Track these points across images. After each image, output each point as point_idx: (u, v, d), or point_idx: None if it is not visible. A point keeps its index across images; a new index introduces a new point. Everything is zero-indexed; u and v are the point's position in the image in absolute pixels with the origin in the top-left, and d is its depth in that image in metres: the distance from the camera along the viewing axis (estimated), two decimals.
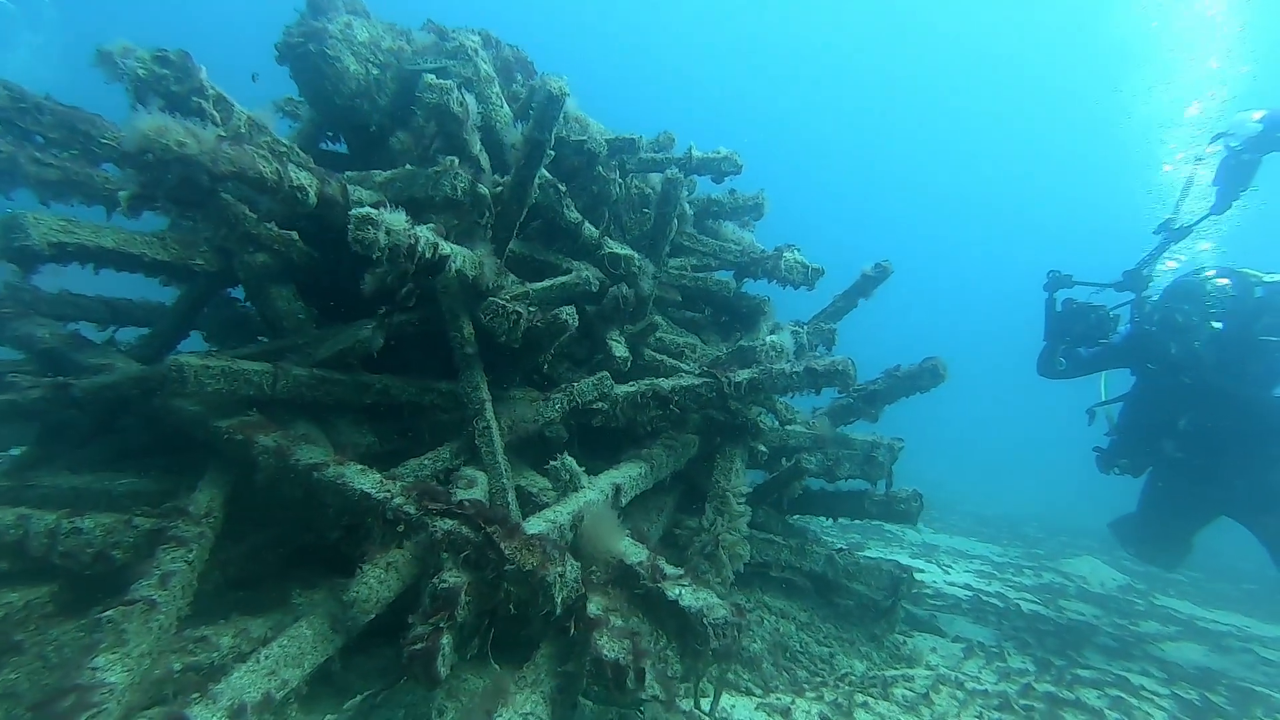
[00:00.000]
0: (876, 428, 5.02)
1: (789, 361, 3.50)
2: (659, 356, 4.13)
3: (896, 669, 4.17)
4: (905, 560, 7.90)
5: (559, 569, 1.94)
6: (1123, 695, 4.16)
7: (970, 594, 6.83)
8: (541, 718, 2.06)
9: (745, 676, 3.46)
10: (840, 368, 3.40)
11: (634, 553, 2.69)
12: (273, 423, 2.71)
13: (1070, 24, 42.68)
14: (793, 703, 3.29)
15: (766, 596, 4.40)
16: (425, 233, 2.40)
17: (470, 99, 3.04)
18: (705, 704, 3.07)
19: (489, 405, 3.04)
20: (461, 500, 2.19)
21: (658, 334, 4.31)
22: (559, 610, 1.96)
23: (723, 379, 3.45)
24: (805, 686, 3.56)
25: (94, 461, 3.04)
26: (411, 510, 2.12)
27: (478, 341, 3.24)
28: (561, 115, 4.15)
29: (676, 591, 2.43)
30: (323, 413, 3.06)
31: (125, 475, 2.81)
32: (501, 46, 3.97)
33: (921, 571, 7.46)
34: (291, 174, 2.42)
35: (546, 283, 3.41)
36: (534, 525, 2.41)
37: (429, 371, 3.42)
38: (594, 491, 2.87)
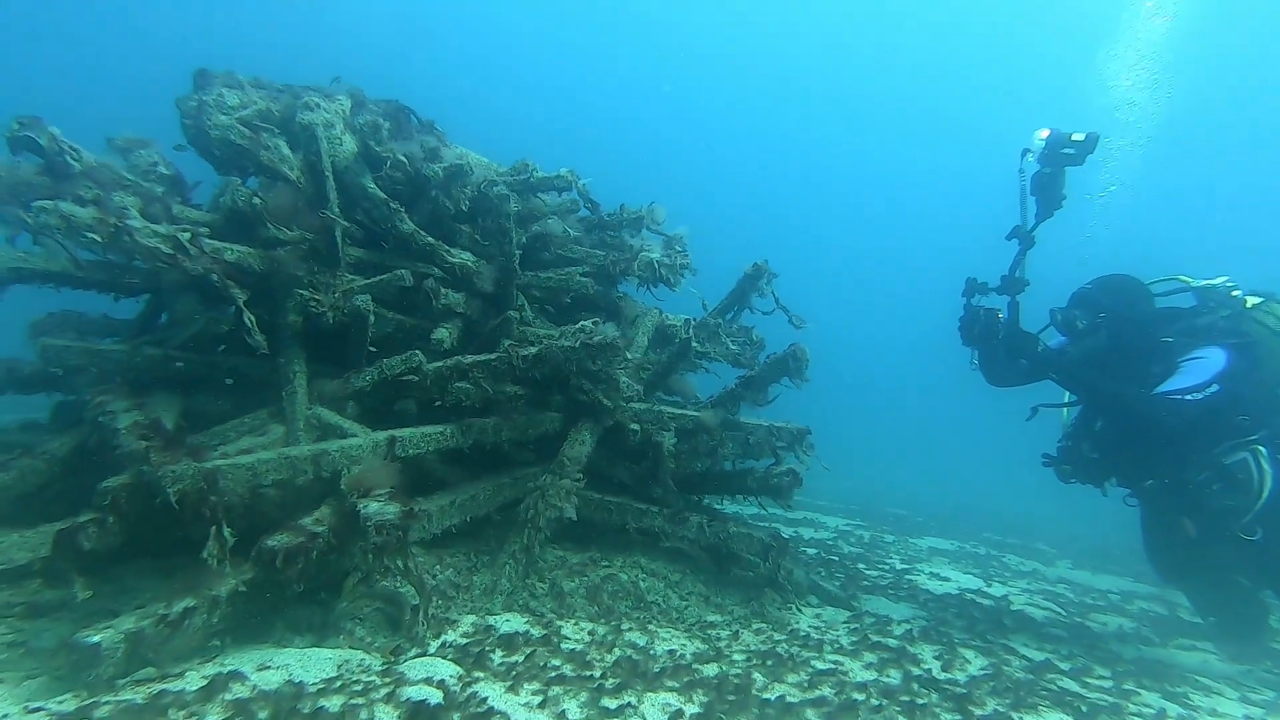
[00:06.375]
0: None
1: (574, 338, 3.93)
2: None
3: (745, 625, 4.26)
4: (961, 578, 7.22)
5: (173, 468, 2.53)
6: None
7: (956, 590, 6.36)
8: (194, 608, 2.59)
9: (549, 605, 3.82)
10: (610, 341, 3.80)
11: (373, 482, 3.23)
12: (129, 390, 3.57)
13: None
14: (576, 624, 3.61)
15: (644, 559, 4.65)
16: (157, 229, 3.19)
17: (279, 139, 3.88)
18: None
19: (300, 375, 3.76)
20: (156, 425, 2.88)
21: (521, 328, 4.88)
22: (174, 498, 2.52)
23: (513, 354, 3.94)
24: (622, 621, 3.81)
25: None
26: (125, 437, 2.84)
27: (316, 330, 4.02)
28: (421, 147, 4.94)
29: (365, 503, 2.94)
30: (189, 386, 3.94)
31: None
32: (368, 104, 4.86)
33: (947, 580, 6.94)
34: (116, 199, 3.32)
35: (372, 280, 4.12)
36: (262, 456, 3.03)
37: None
38: (362, 439, 3.46)
